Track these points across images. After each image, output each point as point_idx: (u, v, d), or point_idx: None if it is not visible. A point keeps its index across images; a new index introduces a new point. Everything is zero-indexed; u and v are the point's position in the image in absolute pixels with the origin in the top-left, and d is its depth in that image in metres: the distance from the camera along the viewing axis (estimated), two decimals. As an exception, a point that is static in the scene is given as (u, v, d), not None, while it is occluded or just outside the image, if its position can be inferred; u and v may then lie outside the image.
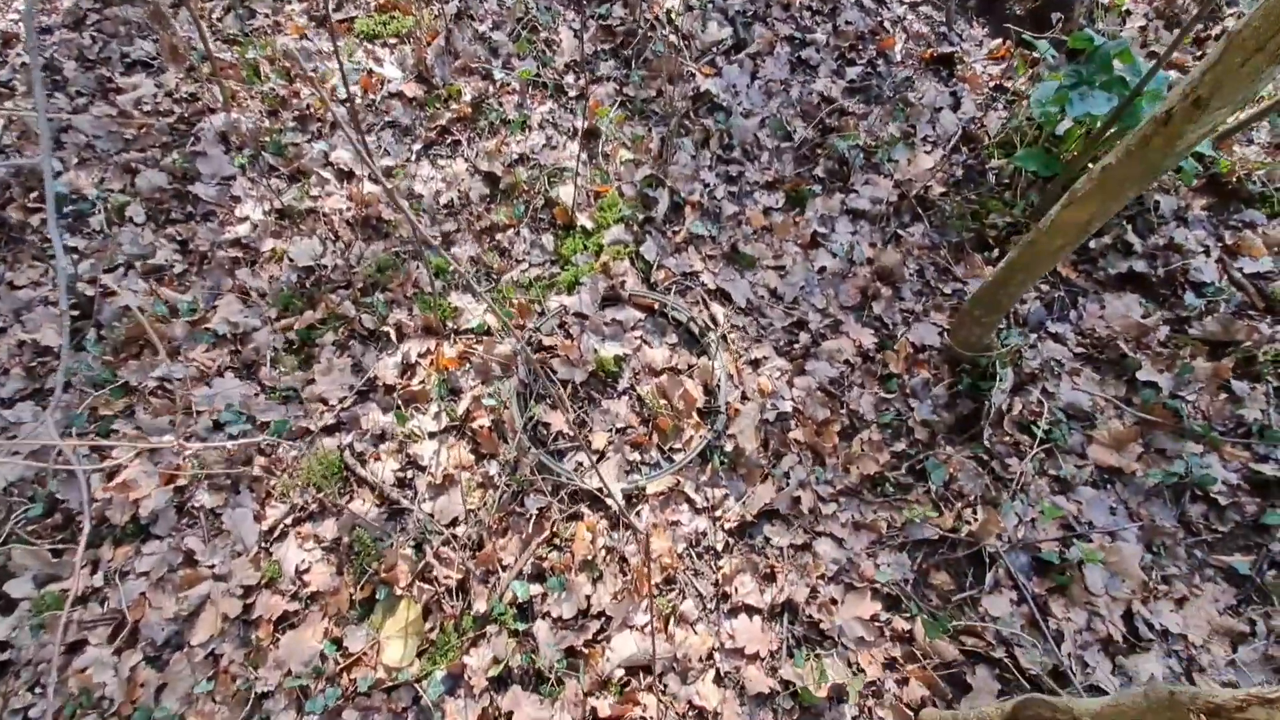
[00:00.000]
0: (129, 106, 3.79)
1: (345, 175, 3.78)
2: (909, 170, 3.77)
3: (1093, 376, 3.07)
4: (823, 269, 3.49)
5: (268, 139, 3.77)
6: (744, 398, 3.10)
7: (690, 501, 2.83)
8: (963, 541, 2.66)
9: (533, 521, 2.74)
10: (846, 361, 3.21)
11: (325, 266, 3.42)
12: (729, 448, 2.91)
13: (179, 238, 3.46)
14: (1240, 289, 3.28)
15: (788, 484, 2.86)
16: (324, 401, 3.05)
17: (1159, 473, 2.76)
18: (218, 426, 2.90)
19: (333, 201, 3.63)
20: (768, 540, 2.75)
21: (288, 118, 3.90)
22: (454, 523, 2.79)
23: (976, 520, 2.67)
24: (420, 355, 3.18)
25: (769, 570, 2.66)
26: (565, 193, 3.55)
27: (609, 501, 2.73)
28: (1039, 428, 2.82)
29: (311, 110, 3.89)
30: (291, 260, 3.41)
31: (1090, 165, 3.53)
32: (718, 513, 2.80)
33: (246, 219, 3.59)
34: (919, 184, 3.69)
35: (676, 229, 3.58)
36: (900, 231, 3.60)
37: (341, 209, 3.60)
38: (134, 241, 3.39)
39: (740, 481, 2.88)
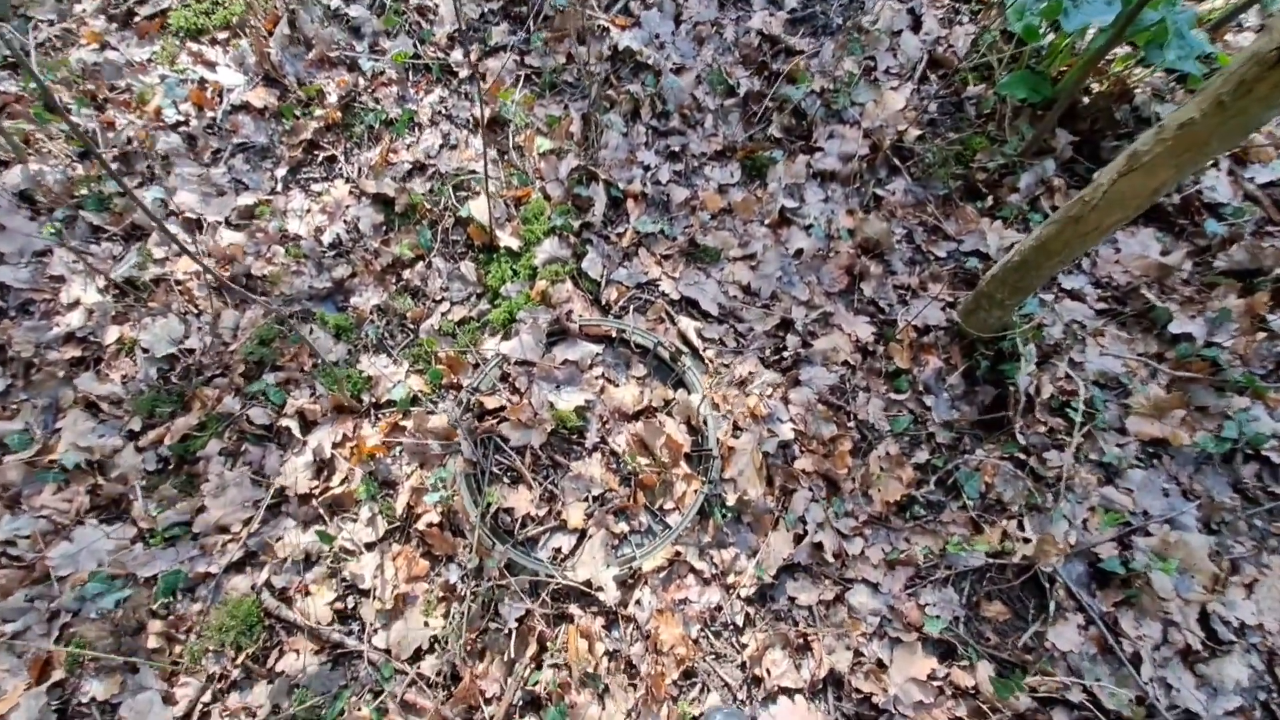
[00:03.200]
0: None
1: (194, 225, 2.98)
2: (877, 114, 3.21)
3: (1120, 335, 2.69)
4: (798, 252, 2.96)
5: (84, 192, 2.92)
6: (736, 429, 2.62)
7: (696, 572, 2.37)
8: (1014, 566, 2.30)
9: (514, 635, 2.25)
10: (845, 362, 2.74)
11: (192, 351, 2.70)
12: (729, 497, 2.44)
13: (-15, 348, 2.67)
14: (1256, 203, 2.91)
15: (804, 527, 2.43)
16: (223, 531, 2.43)
17: (1209, 439, 2.43)
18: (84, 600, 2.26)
19: (185, 263, 2.86)
20: (793, 601, 2.34)
21: (106, 158, 3.03)
22: (417, 655, 2.28)
23: (1025, 535, 2.31)
24: (335, 446, 2.56)
25: (801, 639, 2.26)
26: (478, 206, 2.87)
27: (601, 596, 2.25)
28: (1075, 409, 2.44)
29: (135, 144, 3.02)
30: (146, 350, 2.68)
31: (1095, 85, 3.04)
32: (730, 579, 2.36)
33: (77, 304, 2.80)
34: (891, 129, 3.15)
35: (620, 230, 2.97)
36: (879, 191, 3.08)
37: (198, 271, 2.84)
38: (-79, 365, 2.58)
39: (749, 534, 2.44)
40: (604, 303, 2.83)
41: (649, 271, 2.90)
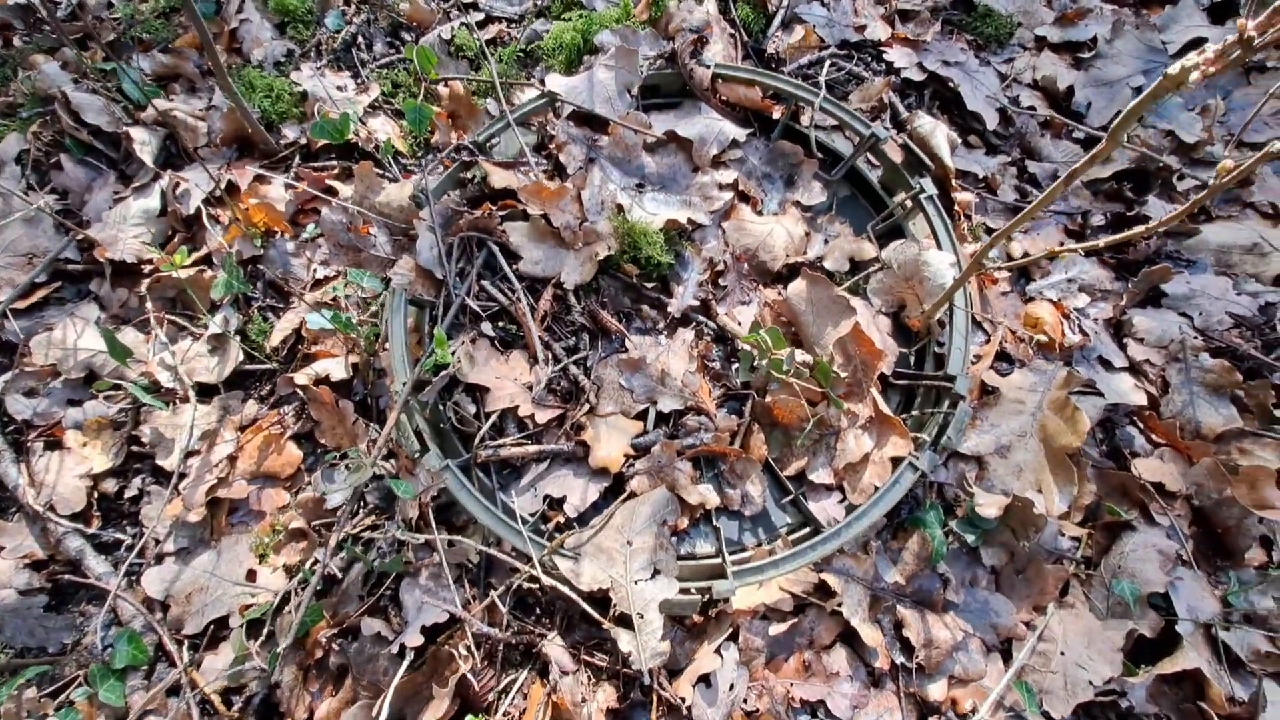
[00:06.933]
0: None
1: None
2: None
3: None
4: (1193, 47, 1.41)
5: None
6: (1003, 358, 1.18)
7: (853, 647, 0.99)
8: None
9: (407, 663, 0.97)
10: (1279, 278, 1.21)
11: (57, 4, 1.56)
12: (980, 497, 1.02)
13: None
14: None
15: (1152, 615, 0.98)
16: (-31, 292, 1.28)
17: None
18: None
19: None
20: (1095, 800, 0.91)
21: None
22: (210, 639, 1.05)
23: None
24: (211, 202, 1.35)
25: None
26: None
27: (622, 642, 0.92)
28: None
29: None
30: (-17, -15, 1.55)
31: None
32: (935, 689, 0.96)
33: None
34: None
35: (831, -58, 1.53)
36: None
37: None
38: None
39: (1000, 597, 1.02)
40: (769, 54, 1.42)
41: (868, 25, 1.45)
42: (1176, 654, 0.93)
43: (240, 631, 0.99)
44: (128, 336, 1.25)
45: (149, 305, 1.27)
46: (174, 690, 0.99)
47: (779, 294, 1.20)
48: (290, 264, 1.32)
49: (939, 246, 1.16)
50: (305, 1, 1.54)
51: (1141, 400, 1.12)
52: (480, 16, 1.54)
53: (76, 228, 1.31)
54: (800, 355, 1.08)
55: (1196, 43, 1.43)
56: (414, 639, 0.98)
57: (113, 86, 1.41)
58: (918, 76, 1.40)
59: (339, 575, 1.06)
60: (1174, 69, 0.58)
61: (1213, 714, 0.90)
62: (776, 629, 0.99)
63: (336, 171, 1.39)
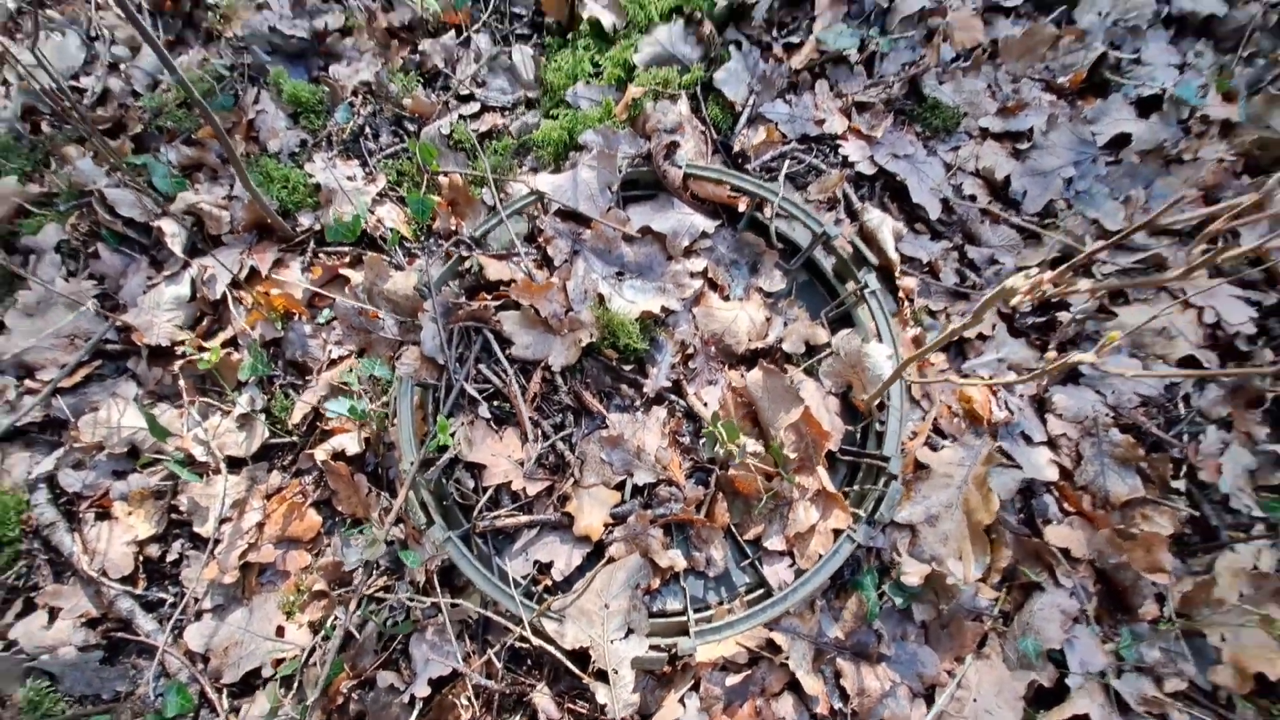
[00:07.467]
0: None
1: (152, -81, 1.96)
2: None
3: None
4: (1118, 140, 1.58)
5: None
6: (938, 434, 1.34)
7: (800, 695, 1.16)
8: None
9: (417, 713, 1.13)
10: (1185, 361, 1.38)
11: (82, 93, 1.70)
12: (907, 565, 1.19)
13: None
14: None
15: (1052, 669, 1.15)
16: (24, 372, 1.44)
17: None
18: None
19: (115, -35, 1.85)
20: (998, 826, 1.08)
21: None
22: (246, 687, 1.22)
23: None
24: (235, 285, 1.50)
25: None
26: (562, -51, 1.66)
27: (599, 694, 1.09)
28: None
29: None
30: (21, 78, 1.70)
31: None
32: (868, 730, 1.13)
33: (-36, -3, 1.86)
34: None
35: (794, 39, 1.68)
36: (1303, 64, 1.61)
37: (130, -20, 1.81)
38: None
39: (926, 650, 1.18)
40: (736, 151, 1.57)
41: (826, 120, 1.61)
42: (1065, 703, 1.10)
43: (275, 684, 1.16)
44: (163, 413, 1.41)
45: (182, 384, 1.43)
46: (217, 734, 1.16)
47: (742, 376, 1.36)
48: (308, 345, 1.47)
49: (879, 339, 1.32)
50: (317, 93, 1.69)
51: (1054, 475, 1.29)
52: (476, 107, 1.69)
53: (115, 314, 1.47)
54: (752, 446, 1.24)
55: (1123, 138, 1.59)
56: (422, 690, 1.15)
57: (143, 180, 1.56)
58: (869, 170, 1.56)
59: (356, 633, 1.22)
60: (1010, 283, 0.74)
61: (1096, 753, 1.07)
62: (733, 679, 1.16)
63: (348, 259, 1.54)
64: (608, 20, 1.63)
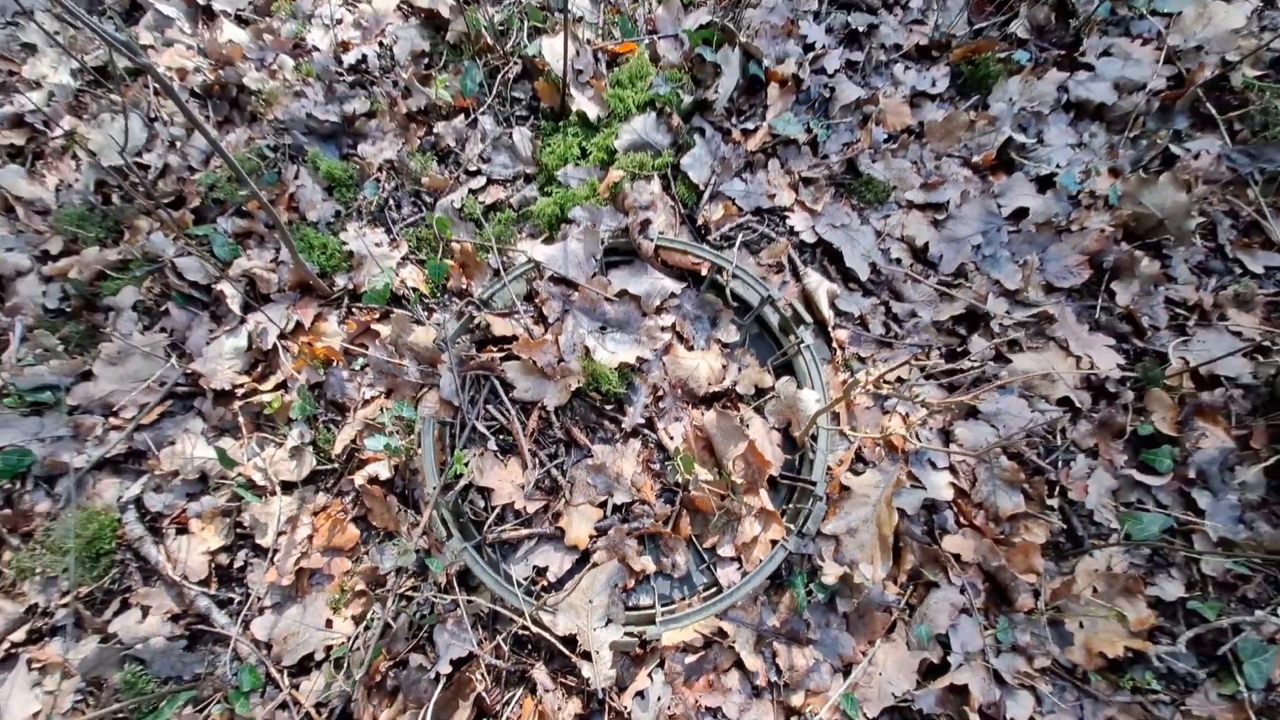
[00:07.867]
0: None
1: (201, 12, 2.27)
2: (1194, 31, 2.02)
3: None
4: (1019, 213, 1.89)
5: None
6: (860, 461, 1.65)
7: (744, 670, 1.46)
8: None
9: (441, 684, 1.43)
10: (1062, 401, 1.69)
11: (146, 169, 2.01)
12: (827, 567, 1.50)
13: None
14: None
15: (940, 650, 1.46)
16: (108, 412, 1.74)
17: None
18: (-100, 456, 1.64)
19: (172, 55, 2.16)
20: (894, 771, 1.39)
21: (117, -89, 2.36)
22: (303, 667, 1.52)
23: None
24: (283, 336, 1.81)
25: (895, 841, 1.32)
26: (553, 49, 1.98)
27: (585, 670, 1.39)
28: None
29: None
30: (93, 154, 2.01)
31: None
32: (796, 698, 1.44)
33: (40, 83, 2.17)
34: (1213, 58, 1.97)
35: (750, 125, 1.99)
36: (1174, 148, 1.93)
37: (186, 68, 2.13)
38: None
39: (845, 634, 1.49)
40: (700, 224, 1.89)
41: (776, 194, 1.92)
42: (948, 674, 1.41)
43: (329, 665, 1.46)
44: (227, 446, 1.71)
45: (242, 420, 1.74)
46: (282, 706, 1.46)
47: (702, 414, 1.67)
48: (345, 387, 1.77)
49: (811, 385, 1.63)
50: (348, 169, 1.99)
51: (951, 495, 1.59)
52: (483, 181, 2.00)
53: (184, 362, 1.77)
54: (704, 475, 1.55)
55: (1023, 210, 1.90)
56: (445, 668, 1.45)
57: (204, 248, 1.87)
58: (811, 239, 1.87)
59: (391, 623, 1.53)
60: (855, 379, 1.04)
61: (969, 713, 1.38)
62: (691, 659, 1.47)
63: (378, 314, 1.84)
64: (593, 112, 1.94)
